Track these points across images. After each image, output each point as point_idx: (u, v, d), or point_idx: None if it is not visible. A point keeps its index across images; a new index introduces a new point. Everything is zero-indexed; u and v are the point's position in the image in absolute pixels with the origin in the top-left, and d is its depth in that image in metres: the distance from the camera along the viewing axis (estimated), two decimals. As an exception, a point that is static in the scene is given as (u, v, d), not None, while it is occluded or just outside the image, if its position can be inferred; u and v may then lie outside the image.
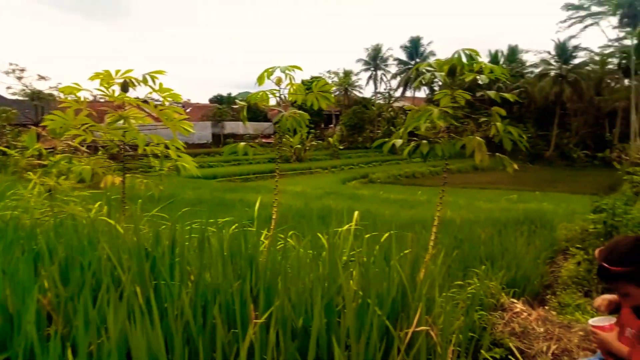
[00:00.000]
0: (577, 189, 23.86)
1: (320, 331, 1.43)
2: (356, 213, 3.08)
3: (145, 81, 3.23)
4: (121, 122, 3.33)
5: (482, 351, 1.96)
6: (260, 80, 2.89)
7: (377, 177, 30.84)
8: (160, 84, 3.29)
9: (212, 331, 1.48)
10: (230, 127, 48.13)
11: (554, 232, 8.90)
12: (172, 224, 2.24)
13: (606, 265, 1.82)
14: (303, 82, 4.46)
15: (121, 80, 3.24)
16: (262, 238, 2.61)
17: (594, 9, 44.07)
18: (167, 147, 3.46)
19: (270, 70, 2.83)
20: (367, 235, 3.64)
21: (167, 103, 3.41)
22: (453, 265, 5.29)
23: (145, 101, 3.52)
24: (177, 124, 3.32)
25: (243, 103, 2.99)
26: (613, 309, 2.07)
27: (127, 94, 3.33)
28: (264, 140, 49.48)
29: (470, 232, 7.62)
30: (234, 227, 2.79)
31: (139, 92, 3.38)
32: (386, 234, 3.38)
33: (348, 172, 33.59)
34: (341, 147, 44.49)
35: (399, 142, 2.74)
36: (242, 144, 2.94)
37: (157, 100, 3.44)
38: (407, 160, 40.67)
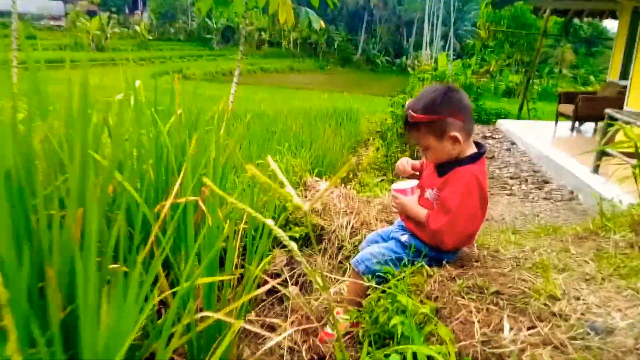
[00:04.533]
0: (379, 91, 26.17)
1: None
2: (138, 82, 2.47)
3: None
4: None
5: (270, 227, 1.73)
6: None
7: (192, 72, 28.73)
8: None
9: None
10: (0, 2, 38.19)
11: (358, 126, 9.60)
12: None
13: (411, 112, 1.68)
14: None
15: None
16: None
17: None
18: None
19: None
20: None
21: None
22: (262, 155, 5.17)
23: None
24: None
25: None
26: (415, 170, 2.01)
27: None
28: (52, 22, 40.96)
29: (283, 124, 7.59)
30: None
31: None
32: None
33: (159, 66, 30.39)
34: (150, 38, 39.81)
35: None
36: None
37: None
38: (225, 56, 38.79)
